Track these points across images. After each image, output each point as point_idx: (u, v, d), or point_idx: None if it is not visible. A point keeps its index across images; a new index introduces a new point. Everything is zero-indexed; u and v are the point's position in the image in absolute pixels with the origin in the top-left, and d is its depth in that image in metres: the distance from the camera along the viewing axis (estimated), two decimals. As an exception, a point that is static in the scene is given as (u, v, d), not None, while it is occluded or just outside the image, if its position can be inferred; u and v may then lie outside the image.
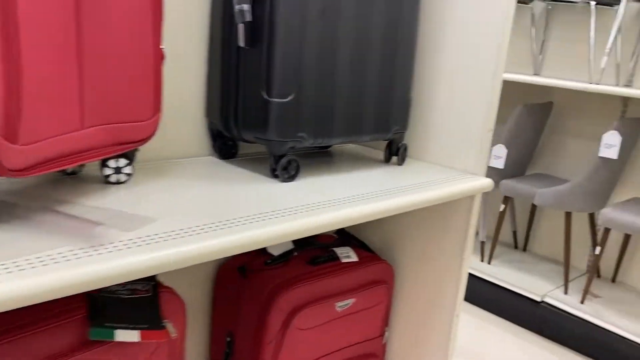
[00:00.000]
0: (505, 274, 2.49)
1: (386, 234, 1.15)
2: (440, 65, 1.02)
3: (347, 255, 1.05)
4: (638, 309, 2.25)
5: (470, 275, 2.52)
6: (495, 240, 2.57)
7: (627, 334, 2.03)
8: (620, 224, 2.05)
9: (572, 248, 2.67)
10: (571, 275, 2.55)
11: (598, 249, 2.16)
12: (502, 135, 2.44)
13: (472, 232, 1.02)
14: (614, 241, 2.53)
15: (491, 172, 2.50)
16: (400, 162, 1.02)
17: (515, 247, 2.87)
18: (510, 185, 2.44)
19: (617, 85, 2.38)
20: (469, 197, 1.00)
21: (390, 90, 0.92)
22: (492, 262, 2.62)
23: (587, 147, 2.59)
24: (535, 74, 2.70)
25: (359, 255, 1.07)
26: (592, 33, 2.27)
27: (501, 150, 2.47)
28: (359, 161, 1.03)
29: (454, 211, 1.02)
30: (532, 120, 2.49)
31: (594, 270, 2.20)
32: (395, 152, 1.01)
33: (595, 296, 2.34)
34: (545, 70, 2.70)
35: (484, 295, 2.48)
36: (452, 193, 0.91)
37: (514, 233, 2.85)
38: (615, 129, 2.10)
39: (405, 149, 1.02)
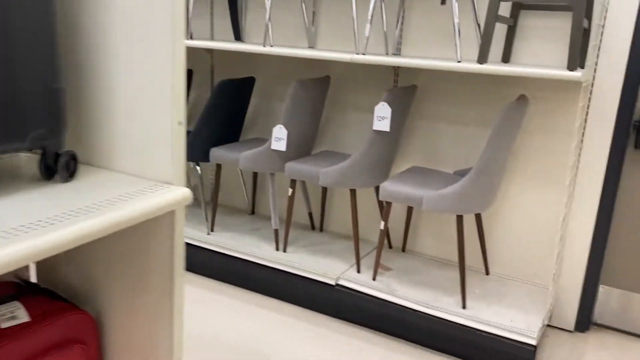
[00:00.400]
0: (301, 260, 2.36)
1: (85, 272, 0.86)
2: (108, 41, 0.75)
3: (12, 315, 0.75)
4: (424, 276, 2.27)
5: (264, 266, 2.35)
6: (287, 226, 2.43)
7: (416, 305, 2.01)
8: (397, 196, 2.01)
9: (366, 223, 2.64)
10: (365, 250, 2.51)
11: (382, 224, 2.11)
12: (280, 116, 2.28)
13: (179, 255, 0.78)
14: (402, 211, 2.54)
15: (275, 155, 2.34)
16: (65, 177, 0.73)
17: (313, 228, 2.77)
18: (294, 167, 2.29)
19: (387, 54, 2.35)
20: (169, 214, 0.76)
21: (12, 81, 0.63)
22: (288, 249, 2.48)
23: (367, 120, 2.55)
24: (310, 47, 2.58)
25: (37, 310, 0.78)
26: (353, 2, 2.18)
27: (281, 132, 2.30)
28: (9, 181, 0.73)
29: (152, 233, 0.78)
30: (309, 96, 2.36)
31: (382, 245, 2.16)
32: (55, 165, 0.72)
33: (387, 269, 2.32)
34: (320, 42, 2.59)
35: (280, 285, 2.33)
36: (131, 216, 0.66)
37: (310, 215, 2.75)
38: (385, 101, 2.05)
39: (74, 158, 0.73)
